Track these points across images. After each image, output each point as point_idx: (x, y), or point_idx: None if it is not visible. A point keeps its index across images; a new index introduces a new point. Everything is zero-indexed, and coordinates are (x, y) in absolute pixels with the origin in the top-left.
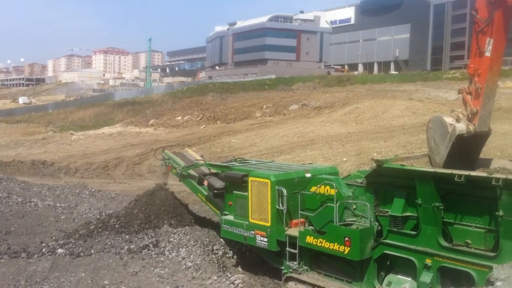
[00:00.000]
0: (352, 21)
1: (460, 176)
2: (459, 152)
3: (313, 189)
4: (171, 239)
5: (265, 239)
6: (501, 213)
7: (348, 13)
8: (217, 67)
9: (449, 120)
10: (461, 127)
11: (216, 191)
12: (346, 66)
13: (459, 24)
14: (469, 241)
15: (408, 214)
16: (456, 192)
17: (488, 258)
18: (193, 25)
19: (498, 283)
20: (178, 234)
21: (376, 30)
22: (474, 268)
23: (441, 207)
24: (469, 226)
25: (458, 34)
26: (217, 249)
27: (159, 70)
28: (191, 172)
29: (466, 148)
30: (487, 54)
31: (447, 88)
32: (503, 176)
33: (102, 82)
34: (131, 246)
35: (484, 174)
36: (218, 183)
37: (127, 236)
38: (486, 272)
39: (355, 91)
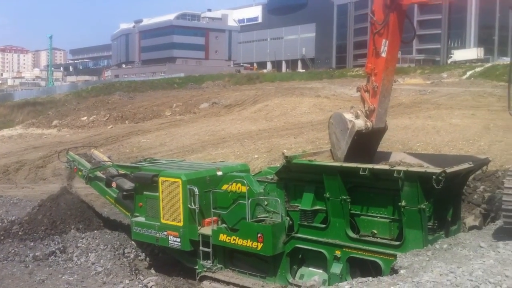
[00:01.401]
0: (260, 20)
1: (364, 169)
2: (358, 147)
3: (224, 187)
4: (79, 244)
5: (178, 240)
6: (403, 203)
7: (256, 12)
8: (123, 66)
9: (348, 116)
10: (360, 123)
11: (125, 193)
12: (255, 64)
13: (362, 24)
14: (375, 231)
15: (318, 208)
16: (362, 185)
17: (393, 247)
18: (97, 22)
19: (402, 271)
20: (87, 239)
21: (284, 29)
22: (381, 257)
23: (348, 200)
24: (375, 217)
25: (361, 33)
26: (128, 252)
27: (61, 69)
28: (98, 174)
29: (365, 143)
30: (383, 55)
31: (351, 85)
32: (404, 169)
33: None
34: (36, 254)
35: (386, 167)
36: (127, 185)
37: (32, 243)
38: (391, 260)
39: (265, 89)
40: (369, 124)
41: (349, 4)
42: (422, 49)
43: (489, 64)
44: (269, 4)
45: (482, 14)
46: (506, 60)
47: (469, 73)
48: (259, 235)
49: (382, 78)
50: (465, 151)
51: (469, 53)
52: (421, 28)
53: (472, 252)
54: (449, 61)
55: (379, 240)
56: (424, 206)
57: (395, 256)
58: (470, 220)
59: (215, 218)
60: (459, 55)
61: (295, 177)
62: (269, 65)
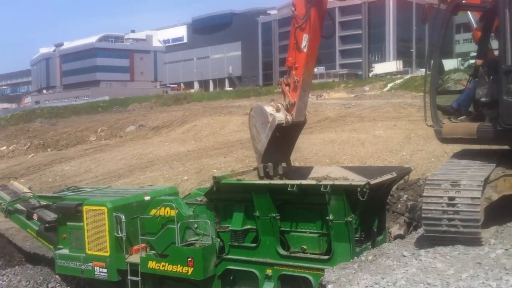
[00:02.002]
0: (185, 40)
1: (292, 185)
2: (278, 140)
3: (152, 212)
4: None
5: (105, 270)
6: (331, 217)
7: (181, 32)
8: (44, 91)
9: (269, 110)
10: (280, 117)
11: (47, 225)
12: (182, 85)
13: (286, 41)
14: (305, 247)
15: (248, 227)
16: (290, 201)
17: (322, 261)
18: (15, 47)
19: (329, 286)
20: (7, 276)
21: (209, 48)
22: (311, 272)
23: (277, 217)
24: (304, 233)
25: (286, 50)
26: (52, 287)
27: None
28: (19, 206)
29: (285, 136)
30: (304, 49)
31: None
32: (330, 182)
33: None
34: None
35: (313, 182)
36: (50, 216)
37: None
38: (321, 275)
39: (192, 109)
40: (289, 117)
41: (273, 22)
42: (345, 63)
43: (408, 76)
44: (193, 24)
45: (400, 28)
46: (423, 71)
47: (389, 85)
48: (189, 259)
49: (302, 73)
50: (389, 162)
51: (389, 66)
52: (343, 43)
53: (396, 261)
54: (370, 74)
55: (308, 255)
56: (350, 219)
57: (324, 270)
58: (395, 229)
59: (143, 245)
60: (379, 68)
61: (224, 198)
62: (196, 85)
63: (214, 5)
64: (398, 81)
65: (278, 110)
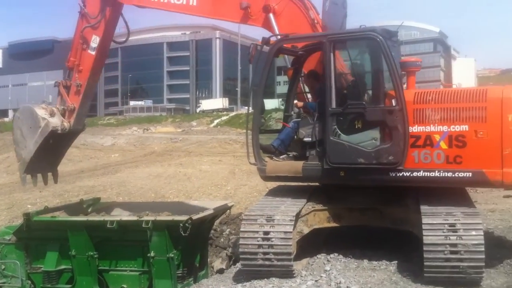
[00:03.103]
0: (0, 65)
1: (112, 222)
2: (48, 147)
3: None
4: None
5: None
6: (152, 254)
7: None
8: None
9: (41, 113)
10: (55, 122)
11: None
12: None
13: (112, 72)
14: (125, 286)
15: (63, 267)
16: (110, 238)
17: None
18: None
19: None
20: None
21: (28, 75)
22: None
23: (95, 256)
24: (124, 271)
25: (112, 81)
26: None
27: None
28: None
29: (56, 144)
30: (92, 52)
31: (102, 134)
32: (152, 218)
33: None
34: None
35: (134, 218)
36: None
37: None
38: None
39: (6, 139)
40: (66, 124)
41: None
42: (173, 98)
43: (233, 113)
44: (10, 49)
45: (226, 67)
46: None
47: (216, 121)
48: None
49: (88, 77)
50: (214, 196)
51: (216, 102)
52: (171, 78)
53: None
54: (198, 110)
55: None
56: (172, 255)
57: None
58: (217, 263)
59: None
60: (207, 104)
61: (37, 236)
62: (11, 113)
63: (34, 31)
64: (224, 118)
65: (52, 114)
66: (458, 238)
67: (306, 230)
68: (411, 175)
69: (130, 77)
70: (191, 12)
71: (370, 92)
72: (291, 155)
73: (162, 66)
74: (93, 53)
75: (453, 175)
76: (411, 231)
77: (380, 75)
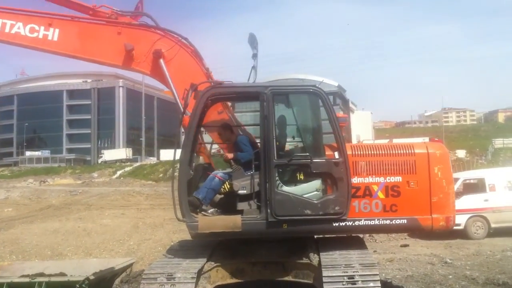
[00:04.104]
0: None
1: (1, 284)
2: None
3: None
4: None
5: None
6: None
7: None
8: None
9: None
10: None
11: None
12: None
13: (7, 120)
14: None
15: None
16: None
17: None
18: None
19: None
20: None
21: None
22: None
23: None
24: None
25: (6, 130)
26: None
27: None
28: None
29: None
30: None
31: None
32: (46, 279)
33: None
34: None
35: (26, 280)
36: None
37: None
38: None
39: None
40: None
41: None
42: (73, 148)
43: (137, 164)
44: None
45: (129, 116)
46: (152, 159)
47: (119, 172)
48: None
49: None
50: (116, 252)
51: (119, 153)
52: (71, 127)
53: None
54: (100, 160)
55: None
56: None
57: None
58: None
59: None
60: (109, 154)
61: None
62: None
63: None
64: (128, 169)
65: None
66: None
67: (209, 287)
68: (353, 224)
69: (26, 126)
70: (49, 48)
71: (313, 144)
72: (218, 209)
73: (62, 115)
74: None
75: (391, 223)
76: (313, 284)
77: (321, 128)
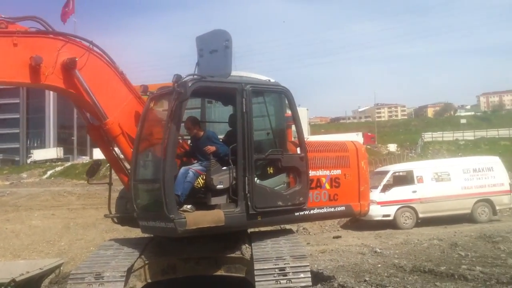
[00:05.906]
0: None
1: None
2: None
3: None
4: None
5: None
6: None
7: None
8: None
9: None
10: None
11: None
12: None
13: None
14: None
15: None
16: None
17: None
18: None
19: None
20: None
21: None
22: None
23: None
24: None
25: None
26: None
27: None
28: None
29: None
30: None
31: None
32: None
33: None
34: None
35: None
36: None
37: None
38: None
39: None
40: None
41: None
42: (1, 148)
43: (69, 163)
44: None
45: (60, 114)
46: (85, 158)
47: (49, 172)
48: None
49: None
50: (46, 253)
51: (49, 152)
52: None
53: None
54: (29, 160)
55: None
56: None
57: None
58: None
59: None
60: (39, 154)
61: None
62: None
63: None
64: (59, 168)
65: None
66: (288, 281)
67: (139, 285)
68: (309, 213)
69: None
70: None
71: (279, 140)
72: (197, 203)
73: None
74: None
75: (334, 210)
76: (245, 277)
77: (285, 125)
